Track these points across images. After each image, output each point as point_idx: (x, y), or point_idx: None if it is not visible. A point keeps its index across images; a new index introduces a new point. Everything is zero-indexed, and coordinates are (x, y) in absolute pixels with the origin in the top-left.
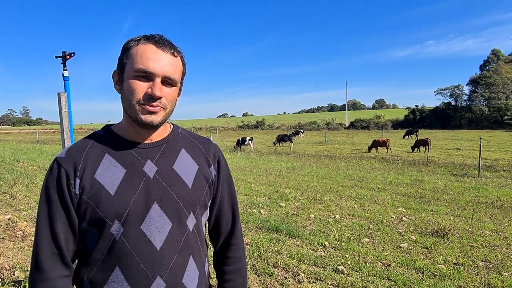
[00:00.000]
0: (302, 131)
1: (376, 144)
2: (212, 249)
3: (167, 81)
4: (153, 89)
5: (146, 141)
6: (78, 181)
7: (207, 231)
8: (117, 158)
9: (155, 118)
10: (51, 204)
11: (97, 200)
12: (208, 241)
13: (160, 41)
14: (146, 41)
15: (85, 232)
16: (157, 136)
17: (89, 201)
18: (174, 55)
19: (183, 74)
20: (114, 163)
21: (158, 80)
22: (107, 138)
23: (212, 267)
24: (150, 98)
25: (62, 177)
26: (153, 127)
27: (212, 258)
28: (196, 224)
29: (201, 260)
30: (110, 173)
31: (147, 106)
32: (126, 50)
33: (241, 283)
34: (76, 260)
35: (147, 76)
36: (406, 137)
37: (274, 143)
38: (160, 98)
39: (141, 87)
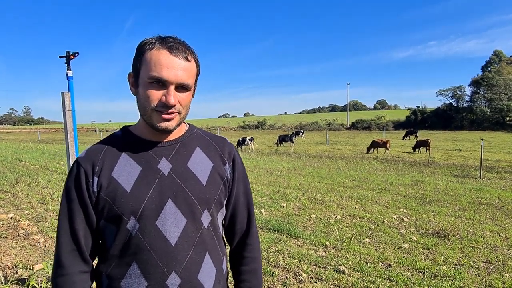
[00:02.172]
0: (302, 131)
1: (375, 144)
2: (228, 248)
3: (181, 87)
4: (167, 98)
5: (161, 140)
6: (96, 179)
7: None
8: (133, 157)
9: (170, 124)
10: (70, 202)
11: (113, 197)
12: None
13: (173, 46)
14: (160, 46)
15: (104, 229)
16: (173, 135)
17: (107, 198)
18: (187, 60)
19: (197, 75)
20: (130, 161)
21: (172, 88)
22: (125, 138)
23: (229, 266)
24: (165, 105)
25: (81, 176)
26: (168, 132)
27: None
28: (212, 221)
29: (218, 257)
30: (126, 171)
31: (162, 114)
32: (140, 53)
33: (257, 285)
34: (96, 257)
35: (161, 83)
36: (406, 138)
37: (276, 143)
38: (174, 105)
39: (155, 95)
